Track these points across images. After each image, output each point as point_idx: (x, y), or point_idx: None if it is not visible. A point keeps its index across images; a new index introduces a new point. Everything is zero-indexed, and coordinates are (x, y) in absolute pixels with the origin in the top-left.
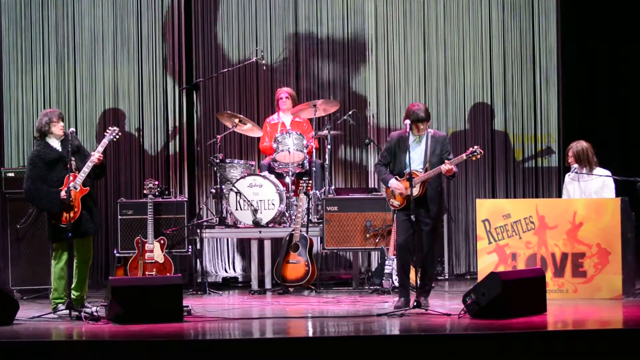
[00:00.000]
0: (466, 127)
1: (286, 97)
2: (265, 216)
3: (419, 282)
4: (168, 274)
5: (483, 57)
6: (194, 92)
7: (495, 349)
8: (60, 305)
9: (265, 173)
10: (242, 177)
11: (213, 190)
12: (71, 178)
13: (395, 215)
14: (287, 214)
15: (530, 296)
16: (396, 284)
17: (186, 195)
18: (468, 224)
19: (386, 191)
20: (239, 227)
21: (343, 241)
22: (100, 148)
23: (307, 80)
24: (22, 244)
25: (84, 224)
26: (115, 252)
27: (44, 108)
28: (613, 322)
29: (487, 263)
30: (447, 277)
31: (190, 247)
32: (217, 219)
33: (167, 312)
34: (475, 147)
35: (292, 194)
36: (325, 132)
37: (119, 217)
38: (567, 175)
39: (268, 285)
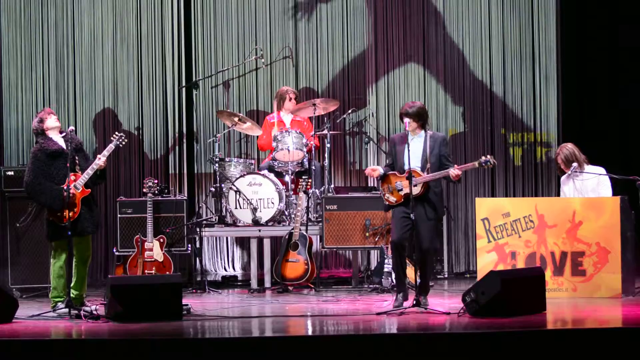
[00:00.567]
0: (465, 127)
1: (294, 97)
2: (265, 215)
3: (418, 280)
4: (167, 273)
5: (483, 56)
6: (194, 90)
7: (495, 348)
8: (59, 303)
9: (265, 172)
10: (241, 176)
11: (212, 189)
12: (73, 178)
13: (392, 212)
14: (286, 213)
15: (530, 295)
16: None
17: (186, 194)
18: (467, 223)
19: (382, 186)
20: (238, 226)
21: (342, 240)
22: (107, 152)
23: (307, 80)
24: (21, 242)
25: (83, 223)
26: (114, 250)
27: (44, 107)
28: (612, 321)
29: (486, 262)
30: (446, 275)
31: (189, 245)
32: (217, 217)
33: (167, 311)
34: (489, 156)
35: (292, 192)
36: (325, 130)
37: (119, 215)
38: (562, 177)
39: (267, 283)
